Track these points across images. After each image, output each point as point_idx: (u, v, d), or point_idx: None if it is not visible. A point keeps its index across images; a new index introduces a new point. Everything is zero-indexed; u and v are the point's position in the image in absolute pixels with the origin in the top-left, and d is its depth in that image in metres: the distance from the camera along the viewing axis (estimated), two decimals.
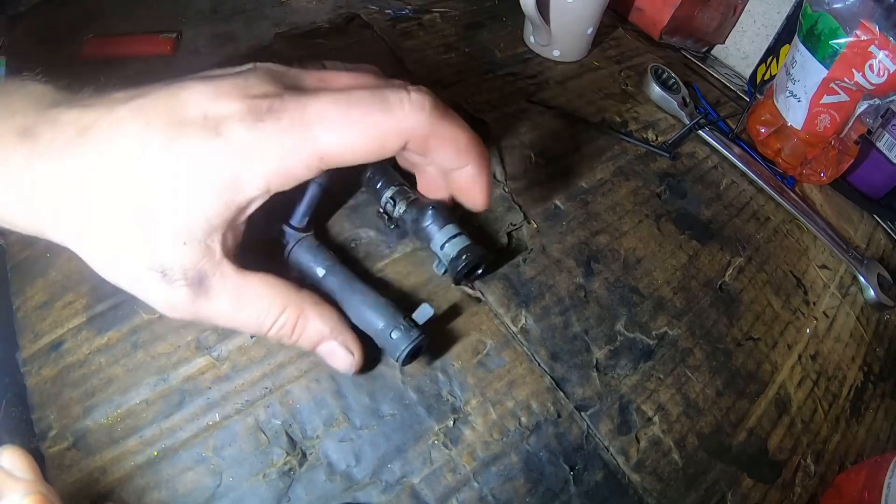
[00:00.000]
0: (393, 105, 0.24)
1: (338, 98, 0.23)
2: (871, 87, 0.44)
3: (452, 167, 0.28)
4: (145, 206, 0.22)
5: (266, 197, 0.24)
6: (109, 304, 0.32)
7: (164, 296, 0.24)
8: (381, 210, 0.35)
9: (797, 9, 0.53)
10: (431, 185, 0.33)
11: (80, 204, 0.22)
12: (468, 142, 0.27)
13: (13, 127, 0.22)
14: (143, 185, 0.22)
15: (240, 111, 0.22)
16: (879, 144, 0.52)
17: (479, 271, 0.34)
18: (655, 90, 0.53)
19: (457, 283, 0.35)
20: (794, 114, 0.50)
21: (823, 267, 0.46)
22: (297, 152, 0.23)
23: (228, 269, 0.25)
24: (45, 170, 0.22)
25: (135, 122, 0.22)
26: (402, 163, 0.32)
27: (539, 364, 0.34)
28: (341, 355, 0.28)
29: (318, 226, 0.34)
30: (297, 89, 0.24)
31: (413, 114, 0.24)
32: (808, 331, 0.42)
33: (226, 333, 0.32)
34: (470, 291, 0.36)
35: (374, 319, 0.29)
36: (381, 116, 0.24)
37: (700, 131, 0.52)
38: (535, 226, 0.41)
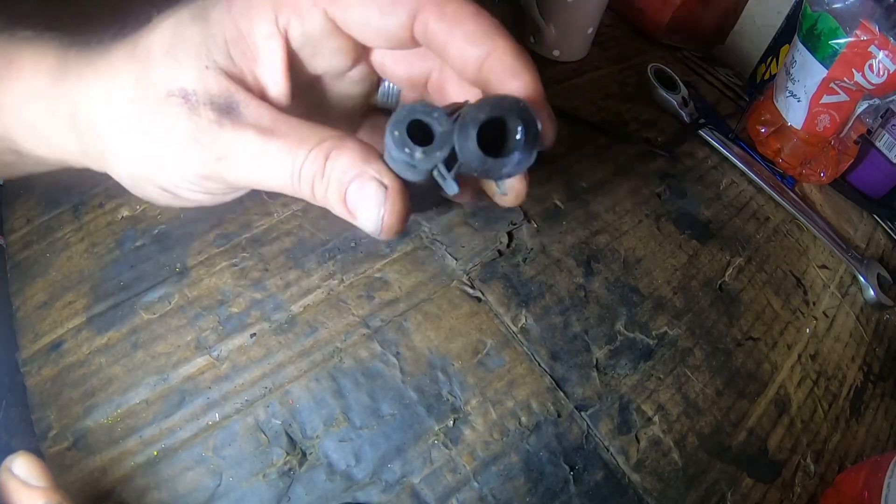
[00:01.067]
0: None
1: None
2: (871, 87, 0.44)
3: (479, 50, 0.22)
4: (159, 39, 0.23)
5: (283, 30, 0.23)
6: (109, 304, 0.32)
7: (185, 126, 0.22)
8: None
9: (797, 9, 0.53)
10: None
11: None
12: (493, 21, 0.23)
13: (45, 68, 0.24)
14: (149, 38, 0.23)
15: None
16: (879, 144, 0.52)
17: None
18: (655, 90, 0.53)
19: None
20: (794, 114, 0.50)
21: (823, 267, 0.46)
22: None
23: (266, 105, 0.23)
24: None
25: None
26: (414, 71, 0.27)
27: (539, 364, 0.34)
28: (370, 193, 0.21)
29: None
30: None
31: None
32: (807, 331, 0.42)
33: (226, 333, 0.32)
34: (470, 291, 0.36)
35: None
36: None
37: (700, 131, 0.52)
38: (535, 225, 0.41)
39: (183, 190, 0.24)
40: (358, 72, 0.27)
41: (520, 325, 0.36)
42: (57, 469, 0.28)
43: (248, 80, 0.23)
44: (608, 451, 0.33)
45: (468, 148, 0.19)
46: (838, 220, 0.51)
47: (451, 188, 0.20)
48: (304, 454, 0.29)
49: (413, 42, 0.23)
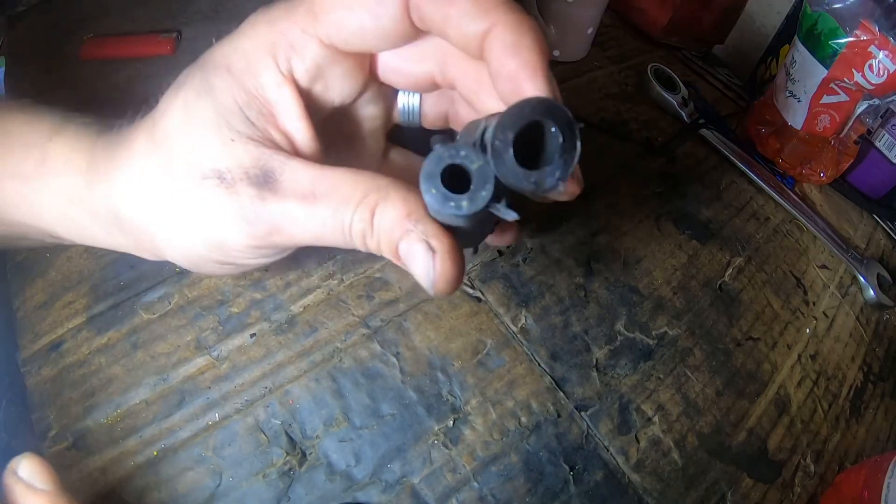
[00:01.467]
0: None
1: None
2: (871, 87, 0.44)
3: (476, 26, 0.21)
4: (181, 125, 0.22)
5: (291, 80, 0.22)
6: (109, 304, 0.32)
7: (227, 206, 0.22)
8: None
9: (797, 9, 0.53)
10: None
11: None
12: None
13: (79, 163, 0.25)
14: (165, 123, 0.23)
15: None
16: (879, 144, 0.52)
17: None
18: (655, 90, 0.53)
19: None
20: (794, 114, 0.50)
21: (823, 267, 0.46)
22: (298, 25, 0.22)
23: (300, 163, 0.22)
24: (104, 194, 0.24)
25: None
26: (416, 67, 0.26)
27: (539, 364, 0.34)
28: (419, 255, 0.21)
29: None
30: None
31: None
32: (807, 331, 0.42)
33: (226, 333, 0.32)
34: (470, 291, 0.36)
35: None
36: None
37: (700, 131, 0.52)
38: (535, 225, 0.41)
39: (240, 260, 0.24)
40: (371, 92, 0.26)
41: (520, 325, 0.36)
42: (57, 469, 0.28)
43: (276, 138, 0.23)
44: (608, 451, 0.33)
45: (510, 173, 0.17)
46: (838, 220, 0.51)
47: (510, 216, 0.19)
48: (304, 454, 0.29)
49: (415, 32, 0.23)
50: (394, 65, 0.25)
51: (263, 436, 0.29)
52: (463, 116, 0.27)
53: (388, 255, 0.22)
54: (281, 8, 0.23)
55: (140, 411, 0.29)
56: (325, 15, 0.22)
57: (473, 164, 0.18)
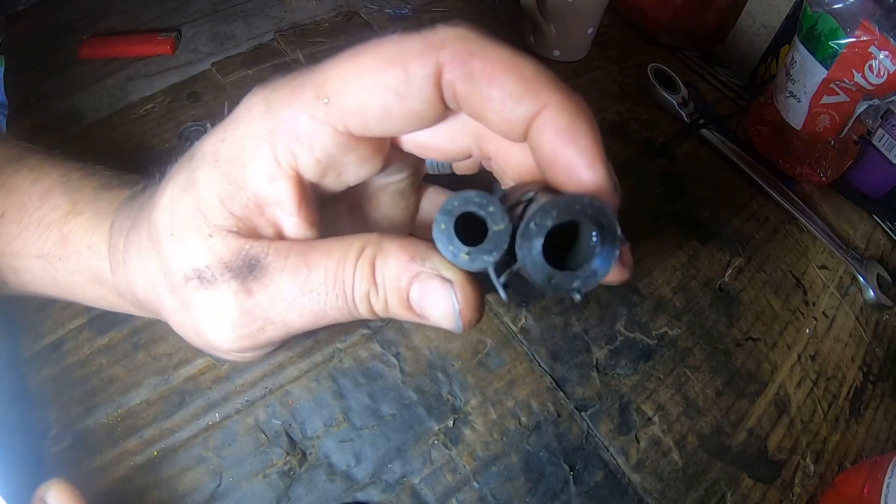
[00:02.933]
0: (416, 33, 0.19)
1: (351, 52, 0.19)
2: (871, 88, 0.44)
3: (523, 109, 0.18)
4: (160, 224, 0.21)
5: (287, 172, 0.20)
6: None
7: (210, 308, 0.20)
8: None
9: (797, 9, 0.53)
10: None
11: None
12: (538, 70, 0.18)
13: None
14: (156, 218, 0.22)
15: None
16: (878, 144, 0.52)
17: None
18: (655, 90, 0.53)
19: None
20: (794, 114, 0.50)
21: (823, 267, 0.46)
22: (305, 112, 0.19)
23: (286, 242, 0.21)
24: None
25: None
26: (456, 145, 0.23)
27: (539, 364, 0.35)
28: (435, 291, 0.19)
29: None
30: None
31: (444, 29, 0.18)
32: (807, 331, 0.42)
33: None
34: None
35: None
36: (402, 38, 0.18)
37: (700, 131, 0.52)
38: None
39: (236, 358, 0.24)
40: (396, 165, 0.24)
41: (520, 325, 0.36)
42: (57, 469, 0.28)
43: (261, 229, 0.21)
44: (608, 451, 0.33)
45: (531, 259, 0.16)
46: (838, 221, 0.51)
47: (502, 295, 0.18)
48: (304, 454, 0.29)
49: (445, 112, 0.20)
50: (421, 141, 0.22)
51: (264, 436, 0.29)
52: (497, 161, 0.24)
53: (398, 309, 0.20)
54: (282, 89, 0.20)
55: (140, 411, 0.29)
56: (340, 98, 0.19)
57: (496, 225, 0.17)
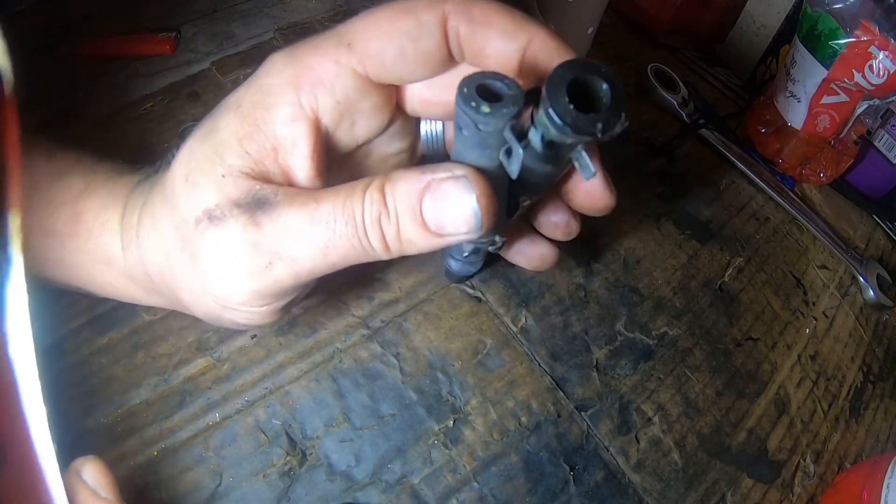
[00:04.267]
0: None
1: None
2: (871, 88, 0.44)
3: (517, 42, 0.21)
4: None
5: (304, 114, 0.21)
6: (110, 305, 0.32)
7: (219, 248, 0.21)
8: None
9: (797, 9, 0.53)
10: None
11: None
12: (523, 14, 0.22)
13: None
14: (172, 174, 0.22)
15: None
16: (878, 145, 0.52)
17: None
18: (655, 90, 0.53)
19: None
20: (794, 114, 0.50)
21: (823, 267, 0.46)
22: (328, 57, 0.21)
23: (295, 189, 0.21)
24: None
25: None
26: None
27: (539, 364, 0.35)
28: (450, 193, 0.20)
29: None
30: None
31: None
32: (807, 331, 0.42)
33: (227, 334, 0.32)
34: (470, 291, 0.36)
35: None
36: None
37: (700, 131, 0.52)
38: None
39: (248, 312, 0.23)
40: (396, 126, 0.25)
41: (520, 325, 0.36)
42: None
43: (272, 174, 0.22)
44: (608, 451, 0.33)
45: (560, 105, 0.17)
46: (838, 221, 0.51)
47: (514, 165, 0.19)
48: (304, 454, 0.29)
49: (450, 60, 0.22)
50: (422, 96, 0.24)
51: (264, 436, 0.29)
52: None
53: (412, 231, 0.20)
54: (304, 45, 0.22)
55: (140, 411, 0.29)
56: (362, 44, 0.21)
57: (510, 90, 0.19)
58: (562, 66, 0.18)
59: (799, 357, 0.40)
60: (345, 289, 0.34)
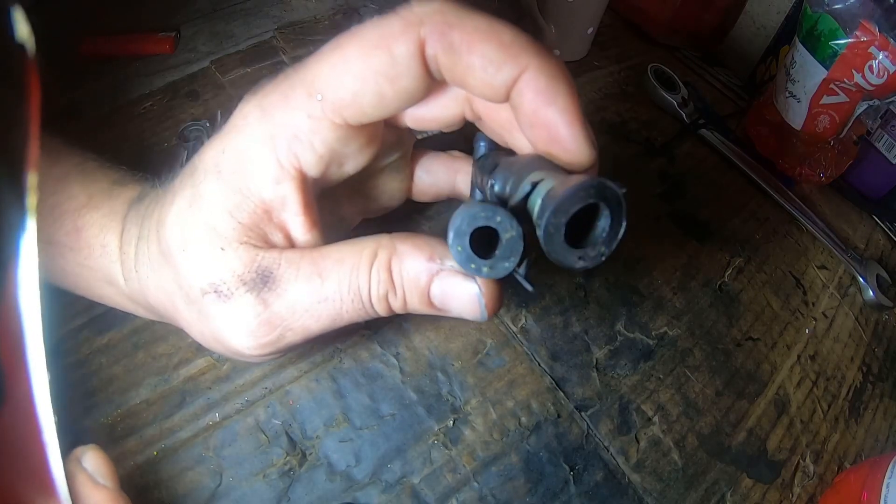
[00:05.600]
0: (394, 12, 0.19)
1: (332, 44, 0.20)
2: (871, 88, 0.44)
3: (503, 74, 0.19)
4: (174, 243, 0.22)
5: (292, 173, 0.21)
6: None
7: (230, 320, 0.21)
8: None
9: (797, 9, 0.53)
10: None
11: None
12: (516, 36, 0.19)
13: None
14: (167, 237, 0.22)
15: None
16: (878, 145, 0.52)
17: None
18: (655, 90, 0.53)
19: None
20: (794, 114, 0.50)
21: (822, 267, 0.46)
22: (301, 112, 0.20)
23: (297, 252, 0.21)
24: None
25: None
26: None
27: (539, 364, 0.35)
28: (458, 286, 0.20)
29: None
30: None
31: (420, 5, 0.19)
32: (807, 331, 0.42)
33: None
34: None
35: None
36: (381, 22, 0.19)
37: (699, 131, 0.52)
38: None
39: (258, 360, 0.24)
40: (389, 143, 0.25)
41: (520, 325, 0.36)
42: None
43: (270, 235, 0.21)
44: (608, 451, 0.33)
45: (560, 253, 0.17)
46: (837, 221, 0.51)
47: (527, 286, 0.20)
48: (304, 454, 0.29)
49: (435, 84, 0.21)
50: (414, 115, 0.23)
51: (264, 436, 0.29)
52: (487, 121, 0.24)
53: (419, 306, 0.21)
54: (273, 93, 0.20)
55: (140, 411, 0.29)
56: (333, 92, 0.19)
57: (507, 233, 0.18)
58: (564, 196, 0.17)
59: (799, 357, 0.40)
60: None
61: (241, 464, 0.28)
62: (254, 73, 0.45)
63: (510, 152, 0.24)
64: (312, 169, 0.21)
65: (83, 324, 0.31)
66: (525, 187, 0.18)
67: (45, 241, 0.25)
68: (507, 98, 0.19)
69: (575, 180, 0.17)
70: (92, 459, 0.22)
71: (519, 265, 0.19)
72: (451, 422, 0.31)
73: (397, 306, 0.21)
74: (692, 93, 0.56)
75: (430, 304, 0.21)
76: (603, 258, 0.18)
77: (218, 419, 0.29)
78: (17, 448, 0.16)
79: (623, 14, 0.63)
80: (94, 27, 0.48)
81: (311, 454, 0.29)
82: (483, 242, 0.18)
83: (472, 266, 0.18)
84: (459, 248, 0.18)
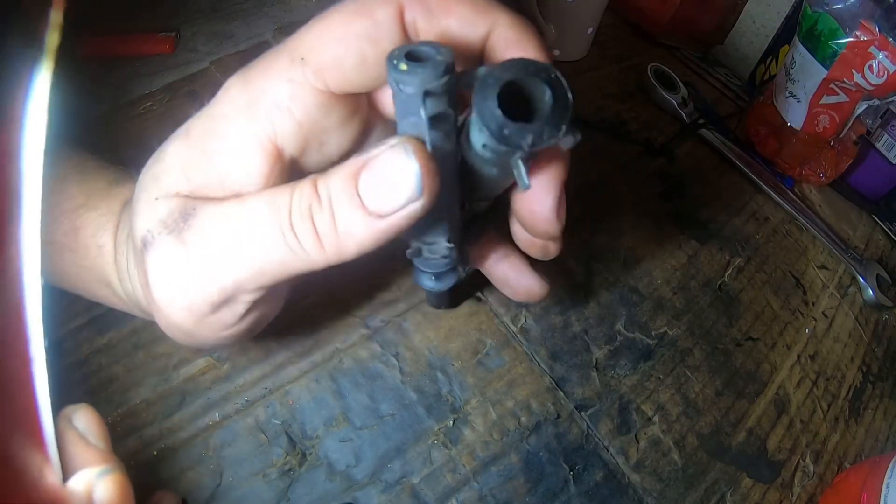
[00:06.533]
0: None
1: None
2: (871, 88, 0.44)
3: (478, 30, 0.20)
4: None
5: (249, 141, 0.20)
6: None
7: (155, 274, 0.20)
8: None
9: (796, 9, 0.53)
10: None
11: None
12: (487, 1, 0.20)
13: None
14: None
15: None
16: (878, 145, 0.52)
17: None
18: (655, 90, 0.53)
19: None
20: (794, 114, 0.50)
21: (822, 267, 0.46)
22: (282, 77, 0.19)
23: (224, 201, 0.20)
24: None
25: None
26: None
27: (539, 364, 0.35)
28: (389, 162, 0.18)
29: None
30: None
31: None
32: (807, 331, 0.42)
33: None
34: (470, 290, 0.36)
35: None
36: None
37: (699, 131, 0.52)
38: None
39: (204, 334, 0.22)
40: (377, 132, 0.24)
41: (519, 325, 0.36)
42: None
43: (215, 192, 0.20)
44: (608, 451, 0.33)
45: (487, 109, 0.16)
46: (837, 221, 0.51)
47: (426, 136, 0.18)
48: (304, 454, 0.29)
49: None
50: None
51: (263, 436, 0.29)
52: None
53: (350, 216, 0.18)
54: (257, 64, 0.20)
55: (140, 411, 0.29)
56: (316, 56, 0.19)
57: (439, 55, 0.17)
58: (501, 64, 0.17)
59: (798, 357, 0.40)
60: (344, 288, 0.34)
61: (241, 464, 0.28)
62: None
63: None
64: (290, 141, 0.20)
65: (83, 324, 0.31)
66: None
67: (45, 241, 0.25)
68: (482, 52, 0.20)
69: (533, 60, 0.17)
70: (83, 418, 0.21)
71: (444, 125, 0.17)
72: (451, 422, 0.31)
73: (325, 225, 0.18)
74: (692, 93, 0.56)
75: (362, 205, 0.18)
76: (550, 138, 0.17)
77: (218, 419, 0.29)
78: (4, 396, 0.15)
79: (623, 14, 0.63)
80: (94, 27, 0.48)
81: (311, 454, 0.29)
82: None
83: (394, 62, 0.16)
84: (395, 52, 0.17)
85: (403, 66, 0.16)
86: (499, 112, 0.16)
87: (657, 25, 0.60)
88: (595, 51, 0.57)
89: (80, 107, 0.41)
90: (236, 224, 0.19)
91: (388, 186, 0.18)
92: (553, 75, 0.17)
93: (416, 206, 0.18)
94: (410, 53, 0.17)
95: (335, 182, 0.18)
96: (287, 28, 0.51)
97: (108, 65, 0.45)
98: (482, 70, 0.17)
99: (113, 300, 0.27)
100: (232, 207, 0.19)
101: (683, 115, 0.52)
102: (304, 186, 0.19)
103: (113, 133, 0.40)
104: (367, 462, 0.29)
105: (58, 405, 0.29)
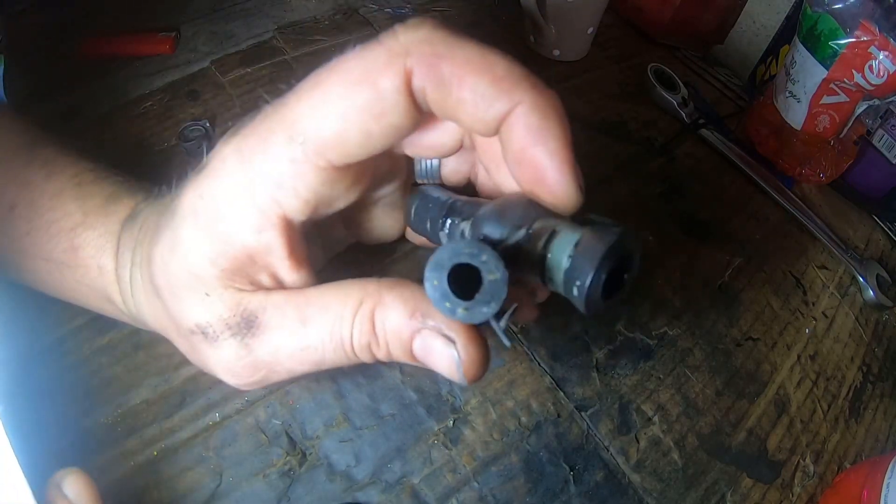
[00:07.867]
0: (378, 41, 0.18)
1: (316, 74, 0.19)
2: (871, 88, 0.44)
3: (495, 110, 0.18)
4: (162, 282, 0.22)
5: (268, 217, 0.20)
6: None
7: (216, 359, 0.22)
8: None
9: (797, 9, 0.53)
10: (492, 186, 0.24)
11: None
12: (509, 68, 0.18)
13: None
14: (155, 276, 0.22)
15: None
16: (878, 145, 0.52)
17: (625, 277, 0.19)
18: (655, 90, 0.53)
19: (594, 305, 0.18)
20: (794, 114, 0.50)
21: (822, 267, 0.46)
22: (281, 158, 0.19)
23: (283, 295, 0.21)
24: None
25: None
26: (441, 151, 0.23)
27: (539, 364, 0.35)
28: (438, 348, 0.19)
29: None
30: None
31: (406, 33, 0.17)
32: (807, 331, 0.42)
33: None
34: None
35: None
36: (364, 53, 0.18)
37: (699, 131, 0.52)
38: None
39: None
40: (382, 172, 0.24)
41: (520, 325, 0.36)
42: (57, 468, 0.28)
43: (255, 276, 0.21)
44: (608, 451, 0.33)
45: (591, 302, 0.17)
46: (837, 221, 0.51)
47: (504, 341, 0.18)
48: (304, 454, 0.29)
49: (425, 115, 0.19)
50: (414, 141, 0.22)
51: (264, 436, 0.29)
52: (483, 178, 0.25)
53: (402, 359, 0.21)
54: (252, 136, 0.19)
55: (140, 411, 0.29)
56: (315, 133, 0.18)
57: (491, 274, 0.16)
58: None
59: (799, 357, 0.40)
60: None
61: (241, 464, 0.28)
62: (254, 73, 0.45)
63: (458, 197, 0.24)
64: (297, 214, 0.20)
65: (83, 324, 0.31)
66: (521, 234, 0.18)
67: (43, 258, 0.26)
68: (496, 132, 0.18)
69: (602, 234, 0.16)
70: (73, 485, 0.21)
71: (500, 315, 0.17)
72: (451, 422, 0.31)
73: (381, 355, 0.21)
74: (692, 93, 0.56)
75: (414, 357, 0.20)
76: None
77: (218, 419, 0.29)
78: None
79: (623, 14, 0.63)
80: (94, 27, 0.48)
81: (311, 454, 0.29)
82: (464, 285, 0.17)
83: (447, 305, 0.17)
84: (435, 283, 0.16)
85: (463, 311, 0.17)
86: (603, 301, 0.17)
87: (657, 25, 0.60)
88: (595, 51, 0.57)
89: (79, 107, 0.42)
90: (303, 347, 0.21)
91: (436, 363, 0.20)
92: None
93: (460, 382, 0.20)
94: (457, 272, 0.16)
95: (392, 334, 0.20)
96: (287, 28, 0.51)
97: (108, 65, 0.45)
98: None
99: (114, 313, 0.27)
100: (297, 332, 0.21)
101: (683, 115, 0.52)
102: (364, 325, 0.20)
103: (113, 133, 0.40)
104: (368, 462, 0.29)
105: (58, 407, 0.29)
